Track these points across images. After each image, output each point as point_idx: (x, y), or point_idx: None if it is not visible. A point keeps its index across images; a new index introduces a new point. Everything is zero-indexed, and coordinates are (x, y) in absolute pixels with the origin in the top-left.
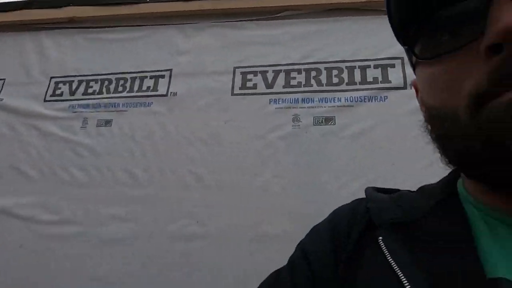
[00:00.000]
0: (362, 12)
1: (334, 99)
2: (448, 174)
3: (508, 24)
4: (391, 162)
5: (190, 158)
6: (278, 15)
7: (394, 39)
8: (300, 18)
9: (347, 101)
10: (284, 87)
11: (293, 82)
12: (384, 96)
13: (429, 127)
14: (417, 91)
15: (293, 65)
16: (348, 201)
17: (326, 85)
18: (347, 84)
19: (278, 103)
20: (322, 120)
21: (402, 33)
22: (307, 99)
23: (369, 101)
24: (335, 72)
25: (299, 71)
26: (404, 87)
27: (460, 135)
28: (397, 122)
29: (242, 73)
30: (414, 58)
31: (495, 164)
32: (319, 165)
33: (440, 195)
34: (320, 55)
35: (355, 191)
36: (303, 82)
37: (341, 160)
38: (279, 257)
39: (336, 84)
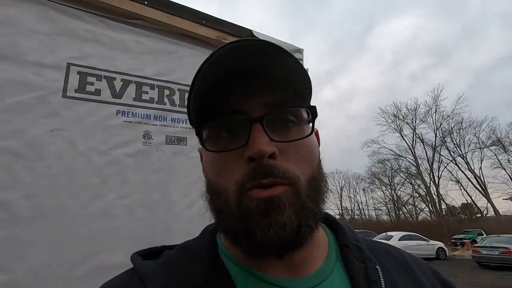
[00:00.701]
0: (214, 48)
1: (186, 121)
2: (206, 228)
3: (258, 149)
4: None
5: None
6: (129, 20)
7: None
8: (154, 32)
9: None
10: (135, 99)
11: (145, 97)
12: None
13: (208, 197)
14: (201, 156)
15: (146, 79)
16: (196, 219)
17: (179, 106)
18: None
19: (128, 116)
20: (174, 140)
21: (195, 128)
22: (160, 117)
23: None
24: (187, 95)
25: (152, 87)
26: None
27: (229, 214)
28: None
29: (80, 73)
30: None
31: (248, 242)
32: (169, 183)
33: (207, 260)
34: (174, 76)
35: (202, 208)
36: (156, 99)
37: (190, 178)
38: None
39: None
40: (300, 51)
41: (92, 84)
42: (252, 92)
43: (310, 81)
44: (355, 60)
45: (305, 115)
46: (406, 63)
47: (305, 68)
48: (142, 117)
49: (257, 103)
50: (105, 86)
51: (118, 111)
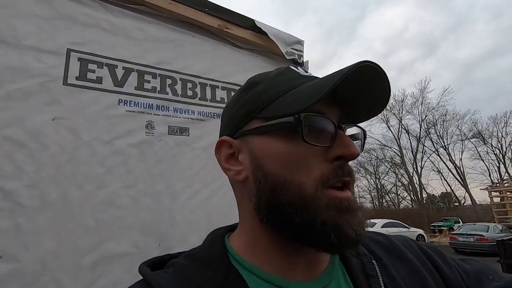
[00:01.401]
0: (215, 37)
1: (188, 111)
2: (213, 235)
3: (355, 152)
4: None
5: None
6: (131, 5)
7: (238, 69)
8: (155, 19)
9: (200, 115)
10: (136, 88)
11: (147, 86)
12: None
13: (268, 189)
14: (221, 147)
15: (148, 68)
16: (200, 208)
17: (181, 96)
18: (200, 99)
19: (130, 106)
20: (177, 130)
21: (292, 114)
22: (162, 107)
23: (217, 118)
24: (189, 85)
25: (154, 75)
26: None
27: (308, 208)
28: None
29: (81, 59)
30: (252, 128)
31: (336, 235)
32: (172, 173)
33: (221, 269)
34: (176, 65)
35: (205, 198)
36: (158, 88)
37: (193, 169)
38: (129, 278)
39: (191, 97)
40: (300, 42)
41: (93, 71)
42: (356, 110)
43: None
44: (346, 49)
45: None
46: (396, 53)
47: (306, 60)
48: (145, 106)
49: (339, 113)
50: (107, 74)
51: (121, 100)
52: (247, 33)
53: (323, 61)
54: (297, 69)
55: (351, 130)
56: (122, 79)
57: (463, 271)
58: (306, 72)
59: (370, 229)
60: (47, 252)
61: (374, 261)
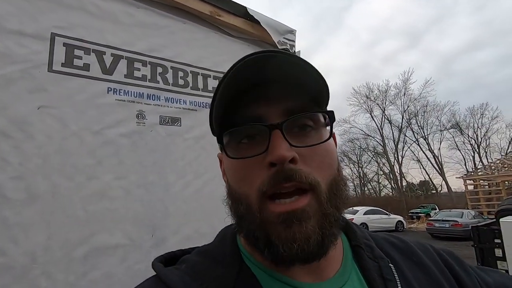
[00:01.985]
0: (207, 24)
1: (180, 101)
2: (225, 231)
3: (279, 155)
4: None
5: None
6: None
7: (230, 58)
8: (144, 3)
9: (192, 104)
10: (126, 76)
11: (137, 74)
12: None
13: (230, 203)
14: (221, 162)
15: (138, 55)
16: (192, 199)
17: (172, 85)
18: (192, 88)
19: (120, 94)
20: (168, 120)
21: (217, 136)
22: (153, 96)
23: (209, 108)
24: (181, 74)
25: (144, 63)
26: None
27: (251, 221)
28: None
29: (66, 45)
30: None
31: (270, 253)
32: (164, 164)
33: (234, 266)
34: (167, 52)
35: (198, 189)
36: (149, 77)
37: (185, 160)
38: (122, 270)
39: (182, 86)
40: (292, 32)
41: (80, 58)
42: (270, 99)
43: (327, 86)
44: (333, 38)
45: (322, 119)
46: (381, 44)
47: (298, 50)
48: (135, 95)
49: (275, 110)
50: (94, 61)
51: (110, 89)
52: (239, 21)
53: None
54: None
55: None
56: (111, 66)
57: (484, 283)
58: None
59: (352, 216)
60: (37, 245)
61: (391, 265)
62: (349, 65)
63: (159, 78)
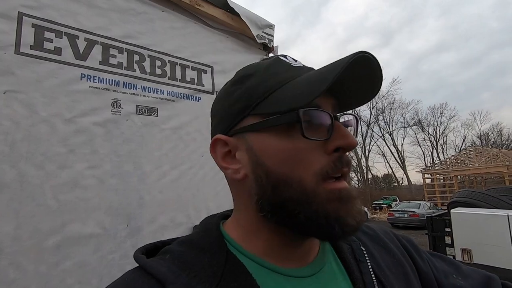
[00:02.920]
0: (186, 13)
1: (157, 91)
2: (207, 221)
3: (352, 141)
4: (201, 154)
5: None
6: None
7: (209, 49)
8: None
9: (169, 95)
10: (101, 63)
11: (112, 61)
12: (198, 97)
13: (270, 188)
14: (216, 145)
15: (113, 41)
16: (169, 189)
17: (150, 74)
18: (170, 78)
19: (94, 81)
20: (145, 110)
21: (286, 111)
22: (130, 84)
23: (187, 99)
24: (158, 63)
25: (120, 50)
26: (212, 93)
27: (310, 203)
28: (207, 120)
29: (35, 26)
30: (249, 124)
31: (339, 226)
32: (140, 154)
33: (221, 255)
34: (144, 40)
35: (175, 179)
36: (125, 64)
37: (161, 150)
38: (95, 259)
39: (160, 76)
40: (271, 26)
41: (50, 41)
42: (351, 94)
43: None
44: (310, 32)
45: None
46: (356, 41)
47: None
48: (110, 83)
49: (334, 104)
50: (67, 45)
51: (83, 75)
52: (218, 12)
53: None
54: (286, 58)
55: (344, 118)
56: (85, 51)
57: (434, 266)
58: (296, 61)
59: None
60: (4, 235)
61: (363, 247)
62: (325, 60)
63: (136, 66)
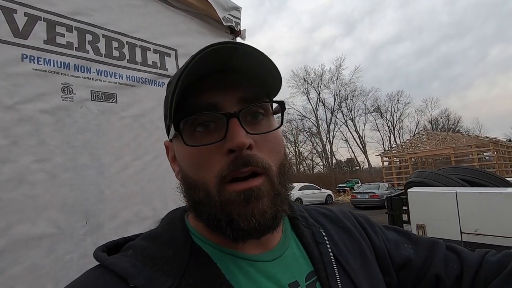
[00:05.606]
0: None
1: (115, 75)
2: (172, 214)
3: (239, 142)
4: None
5: None
6: None
7: (172, 30)
8: None
9: (129, 79)
10: (46, 42)
11: (60, 40)
12: (162, 82)
13: (185, 190)
14: (167, 150)
15: (60, 18)
16: (131, 182)
17: (105, 56)
18: (129, 61)
19: (39, 63)
20: (102, 96)
21: (174, 124)
22: (82, 67)
23: (149, 84)
24: (115, 44)
25: (68, 28)
26: None
27: (211, 205)
28: None
29: None
30: (172, 132)
31: (232, 230)
32: (98, 145)
33: (186, 247)
34: (98, 18)
35: (138, 170)
36: (76, 45)
37: (122, 140)
38: (49, 262)
39: (117, 58)
40: (238, 9)
41: None
42: (225, 88)
43: (280, 76)
44: (276, 19)
45: (271, 108)
46: (320, 29)
47: (243, 29)
48: (59, 65)
49: (231, 99)
50: (2, 20)
51: (25, 56)
52: None
53: (254, 28)
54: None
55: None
56: (25, 28)
57: (386, 239)
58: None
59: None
60: None
61: (322, 230)
62: (291, 48)
63: (88, 47)
